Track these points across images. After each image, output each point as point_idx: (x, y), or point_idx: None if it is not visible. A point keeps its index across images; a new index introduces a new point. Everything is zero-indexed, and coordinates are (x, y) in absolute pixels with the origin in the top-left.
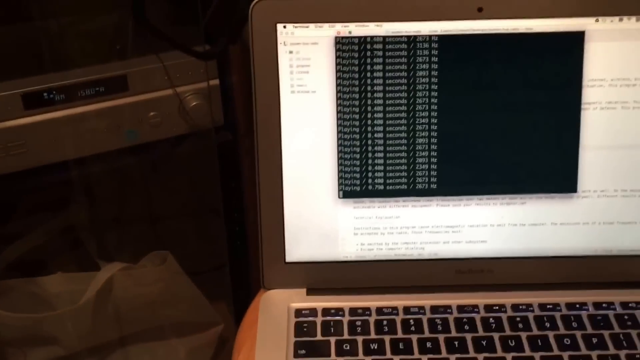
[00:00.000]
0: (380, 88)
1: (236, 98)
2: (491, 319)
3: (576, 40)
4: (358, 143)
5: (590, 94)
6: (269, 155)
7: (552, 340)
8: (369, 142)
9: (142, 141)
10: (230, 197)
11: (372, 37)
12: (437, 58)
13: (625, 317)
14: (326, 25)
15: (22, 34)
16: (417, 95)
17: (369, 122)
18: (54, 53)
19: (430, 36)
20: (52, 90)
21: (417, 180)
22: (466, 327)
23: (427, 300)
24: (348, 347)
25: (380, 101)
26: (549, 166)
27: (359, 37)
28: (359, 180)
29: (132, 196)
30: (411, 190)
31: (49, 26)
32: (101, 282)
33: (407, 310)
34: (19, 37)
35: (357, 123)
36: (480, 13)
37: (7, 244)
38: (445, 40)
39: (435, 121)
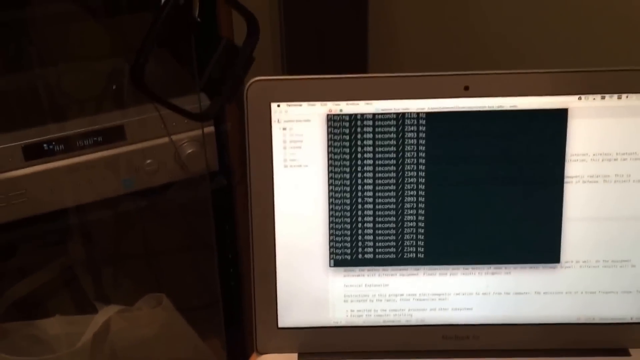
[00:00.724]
0: (370, 162)
1: (230, 144)
2: None
3: (560, 117)
4: (349, 214)
5: (573, 168)
6: (262, 225)
7: None
8: (359, 213)
9: (138, 188)
10: (225, 239)
11: (362, 115)
12: (424, 134)
13: None
14: (318, 103)
15: (21, 84)
16: (405, 169)
17: (359, 194)
18: (53, 104)
19: (418, 113)
20: (52, 141)
21: (405, 250)
22: None
23: None
24: None
25: (370, 174)
26: (533, 238)
27: (350, 115)
28: (349, 249)
29: (128, 239)
30: (399, 259)
31: (47, 75)
32: (98, 324)
33: None
34: (18, 88)
35: (347, 195)
36: (466, 91)
37: (7, 287)
38: (433, 117)
39: (423, 194)
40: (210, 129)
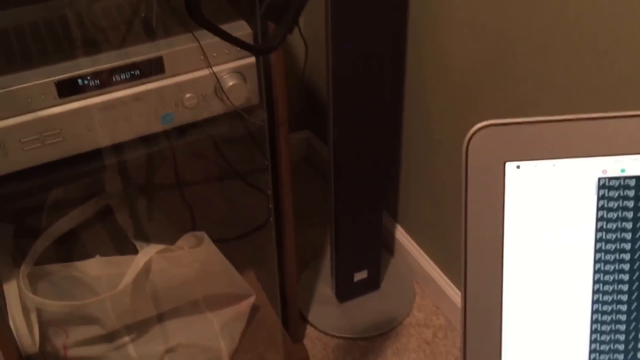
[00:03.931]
0: None
1: (273, 76)
2: None
3: None
4: (624, 320)
5: None
6: (482, 326)
7: None
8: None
9: (177, 124)
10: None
11: None
12: None
13: None
14: (582, 160)
15: (51, 14)
16: None
17: None
18: (86, 36)
19: None
20: (87, 76)
21: None
22: None
23: None
24: None
25: None
26: None
27: (637, 177)
28: None
29: (166, 177)
30: None
31: (78, 4)
32: (139, 266)
33: None
34: (48, 20)
35: (625, 290)
36: None
37: (45, 228)
38: None
39: None
40: (250, 60)
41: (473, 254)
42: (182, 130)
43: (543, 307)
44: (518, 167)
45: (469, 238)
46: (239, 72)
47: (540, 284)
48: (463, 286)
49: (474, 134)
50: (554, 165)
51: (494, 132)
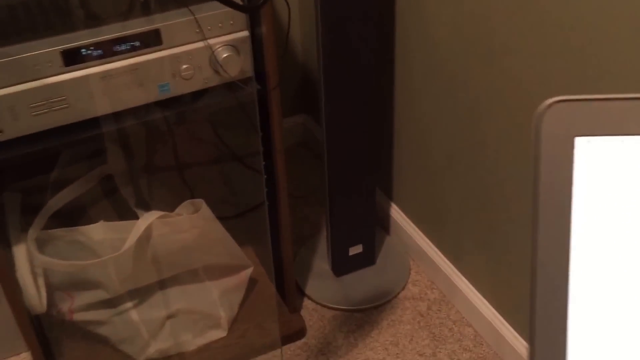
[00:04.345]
0: None
1: (265, 49)
2: None
3: None
4: None
5: None
6: (550, 294)
7: None
8: None
9: (174, 94)
10: (260, 145)
11: None
12: None
13: None
14: None
15: None
16: None
17: None
18: (88, 9)
19: None
20: (90, 47)
21: None
22: None
23: None
24: None
25: None
26: None
27: None
28: None
29: (165, 147)
30: None
31: None
32: (141, 230)
33: None
34: None
35: None
36: None
37: (51, 195)
38: None
39: None
40: (244, 33)
41: (543, 228)
42: (179, 101)
43: (610, 281)
44: (588, 142)
45: (539, 212)
46: (232, 45)
47: (608, 258)
48: (534, 253)
49: (545, 109)
50: (622, 141)
51: (565, 108)
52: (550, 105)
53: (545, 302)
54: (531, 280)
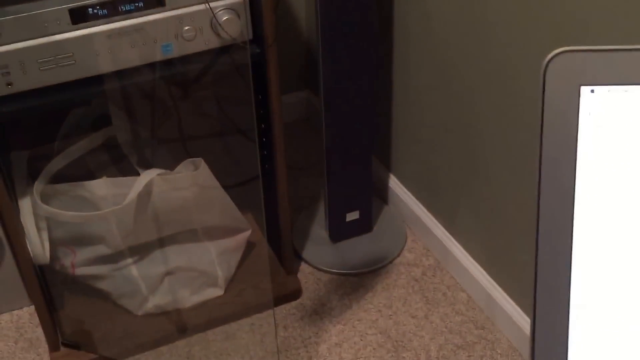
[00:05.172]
0: None
1: (264, 13)
2: None
3: None
4: None
5: None
6: (552, 255)
7: None
8: None
9: (176, 55)
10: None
11: None
12: None
13: None
14: None
15: None
16: None
17: None
18: None
19: None
20: (96, 6)
21: None
22: None
23: None
24: None
25: None
26: None
27: None
28: None
29: (169, 116)
30: None
31: None
32: (141, 185)
33: None
34: None
35: None
36: None
37: (57, 153)
38: None
39: None
40: None
41: (547, 177)
42: (183, 61)
43: (615, 232)
44: (592, 91)
45: (543, 160)
46: (232, 9)
47: (611, 207)
48: (536, 206)
49: (551, 59)
50: (626, 91)
51: (570, 58)
52: (557, 55)
53: (547, 254)
54: (535, 231)
